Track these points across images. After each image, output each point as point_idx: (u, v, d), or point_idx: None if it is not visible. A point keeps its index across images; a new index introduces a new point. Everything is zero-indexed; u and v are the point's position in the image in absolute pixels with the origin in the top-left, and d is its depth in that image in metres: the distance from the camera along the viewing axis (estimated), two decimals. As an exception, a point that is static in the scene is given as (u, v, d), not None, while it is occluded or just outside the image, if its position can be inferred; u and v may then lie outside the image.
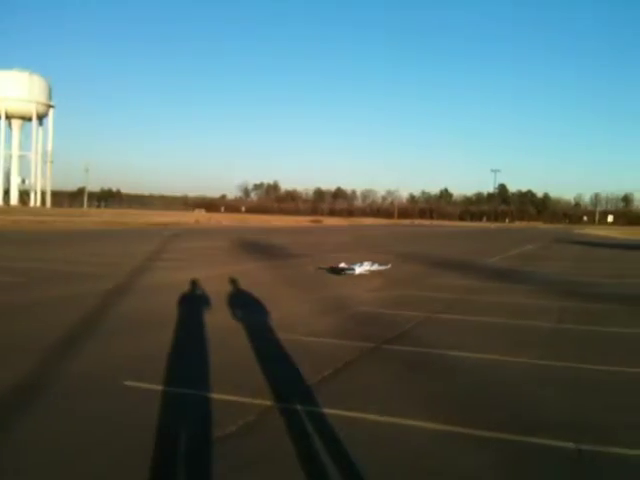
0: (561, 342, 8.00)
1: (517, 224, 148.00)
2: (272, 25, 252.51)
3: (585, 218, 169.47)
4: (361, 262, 16.10)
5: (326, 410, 4.78)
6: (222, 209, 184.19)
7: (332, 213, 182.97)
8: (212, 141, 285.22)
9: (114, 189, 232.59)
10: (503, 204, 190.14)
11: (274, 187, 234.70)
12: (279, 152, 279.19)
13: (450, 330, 8.62)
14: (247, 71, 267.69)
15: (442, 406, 5.09)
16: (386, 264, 16.95)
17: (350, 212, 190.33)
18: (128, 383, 5.45)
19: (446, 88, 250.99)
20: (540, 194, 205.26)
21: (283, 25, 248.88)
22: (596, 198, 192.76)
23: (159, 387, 5.31)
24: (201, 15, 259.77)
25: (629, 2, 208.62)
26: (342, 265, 15.47)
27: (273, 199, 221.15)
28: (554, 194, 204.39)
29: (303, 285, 13.18)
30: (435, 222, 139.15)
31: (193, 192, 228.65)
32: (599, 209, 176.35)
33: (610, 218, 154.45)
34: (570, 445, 4.25)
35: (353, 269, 15.34)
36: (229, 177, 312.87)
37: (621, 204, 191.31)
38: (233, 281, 12.36)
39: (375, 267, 16.16)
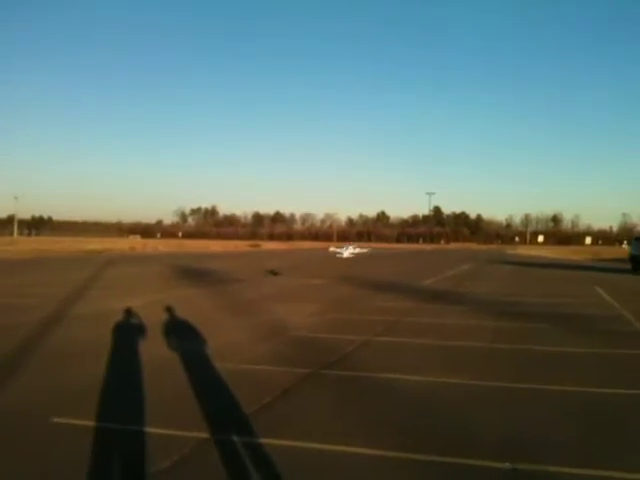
0: (494, 362, 8.17)
1: (452, 245, 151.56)
2: (207, 46, 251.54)
3: (517, 238, 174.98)
4: (347, 246, 18.89)
5: (263, 440, 4.71)
6: (158, 235, 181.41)
7: (271, 237, 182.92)
8: (147, 165, 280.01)
9: (45, 216, 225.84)
10: (438, 226, 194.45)
11: (212, 212, 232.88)
12: (217, 176, 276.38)
13: (388, 353, 8.68)
14: (182, 96, 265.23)
15: (381, 431, 5.10)
16: (366, 249, 19.00)
17: (289, 236, 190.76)
18: (57, 420, 5.23)
19: (381, 113, 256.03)
20: (473, 216, 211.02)
21: (220, 48, 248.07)
22: (526, 219, 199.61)
23: (90, 423, 5.12)
24: (131, 42, 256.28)
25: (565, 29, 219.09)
26: (332, 249, 18.14)
27: (211, 224, 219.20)
28: (487, 215, 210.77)
29: (241, 311, 13.04)
30: (373, 244, 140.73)
31: (128, 218, 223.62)
32: (530, 229, 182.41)
33: (540, 238, 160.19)
34: (506, 465, 4.33)
35: (342, 253, 18.23)
36: (165, 202, 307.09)
37: (551, 224, 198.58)
38: (169, 309, 12.13)
39: (357, 250, 19.26)
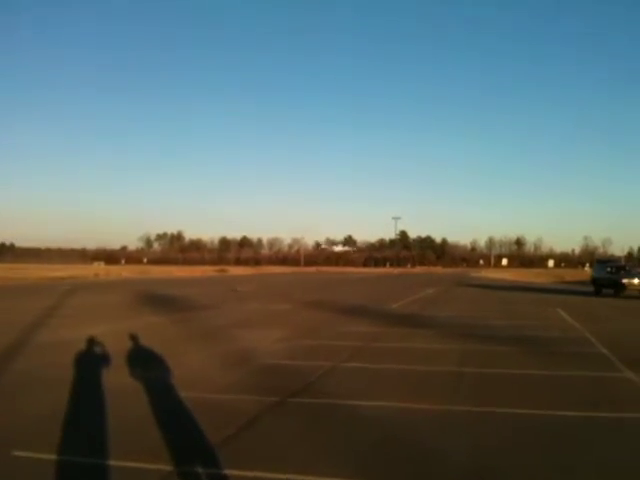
0: (461, 386, 8.25)
1: (418, 269, 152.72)
2: (175, 70, 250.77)
3: (481, 261, 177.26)
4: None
5: (228, 472, 4.68)
6: (123, 261, 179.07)
7: (238, 262, 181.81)
8: (112, 190, 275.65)
9: (7, 243, 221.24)
10: (405, 250, 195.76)
11: (178, 237, 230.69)
12: (182, 201, 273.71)
13: (355, 379, 8.70)
14: (145, 117, 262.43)
15: (347, 460, 5.10)
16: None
17: (257, 261, 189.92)
18: (17, 453, 5.12)
19: (348, 138, 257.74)
20: (439, 240, 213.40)
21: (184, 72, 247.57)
22: (490, 242, 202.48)
23: (52, 456, 5.02)
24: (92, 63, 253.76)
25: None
26: (323, 247, 20.32)
27: (177, 249, 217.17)
28: (452, 239, 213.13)
29: (206, 338, 12.93)
30: (341, 269, 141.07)
31: (92, 244, 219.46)
32: (494, 252, 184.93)
33: (504, 261, 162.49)
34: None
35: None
36: (130, 228, 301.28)
37: (514, 247, 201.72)
38: (134, 337, 11.96)
39: (347, 248, 21.74)
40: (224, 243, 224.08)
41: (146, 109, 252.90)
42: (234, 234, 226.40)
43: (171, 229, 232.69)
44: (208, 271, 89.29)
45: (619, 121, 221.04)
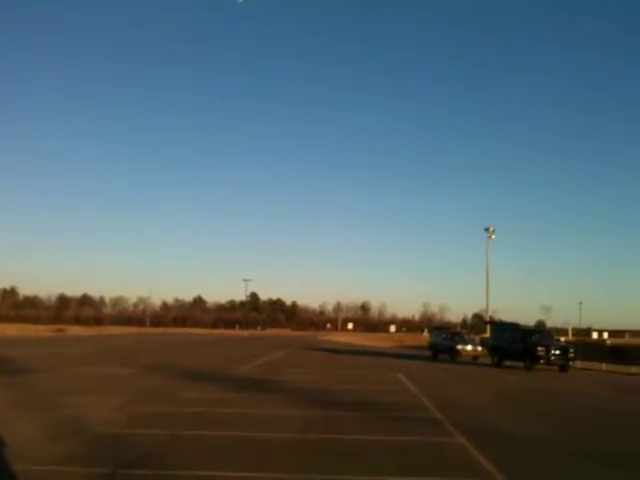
0: (304, 453, 8.28)
1: (268, 331, 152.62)
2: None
3: (329, 325, 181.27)
4: None
5: None
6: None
7: (78, 321, 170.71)
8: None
9: None
10: (255, 312, 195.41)
11: (11, 292, 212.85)
12: (16, 253, 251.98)
13: (195, 448, 8.45)
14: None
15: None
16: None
17: (98, 320, 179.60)
18: None
19: (198, 197, 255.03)
20: (289, 302, 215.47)
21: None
22: (338, 306, 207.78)
23: None
24: None
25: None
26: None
27: (9, 306, 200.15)
28: (301, 302, 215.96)
29: (38, 405, 11.99)
30: (189, 330, 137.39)
31: None
32: (341, 316, 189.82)
33: (350, 325, 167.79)
34: None
35: None
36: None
37: (360, 312, 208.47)
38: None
39: None
40: (63, 301, 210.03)
41: None
42: (74, 292, 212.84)
43: (3, 284, 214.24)
44: (43, 330, 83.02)
45: (454, 198, 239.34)
